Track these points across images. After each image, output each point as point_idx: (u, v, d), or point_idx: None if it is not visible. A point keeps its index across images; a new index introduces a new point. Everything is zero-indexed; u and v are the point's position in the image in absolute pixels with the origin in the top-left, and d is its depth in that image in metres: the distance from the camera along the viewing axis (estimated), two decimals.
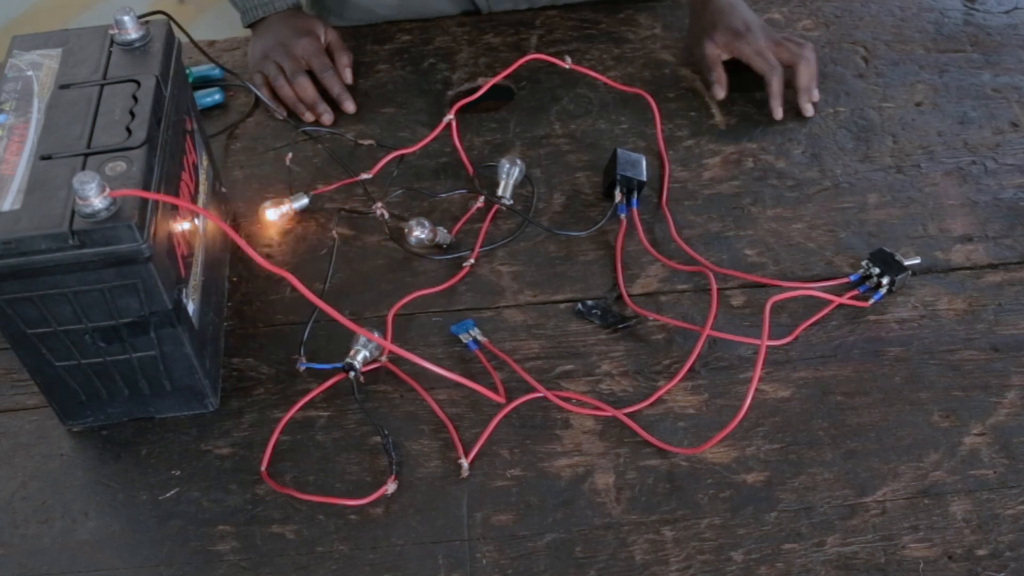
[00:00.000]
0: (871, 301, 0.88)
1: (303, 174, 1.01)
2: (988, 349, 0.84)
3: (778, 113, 1.03)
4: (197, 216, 0.84)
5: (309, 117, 1.06)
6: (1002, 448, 0.78)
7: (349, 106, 1.07)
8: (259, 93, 1.07)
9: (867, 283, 0.88)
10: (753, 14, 1.09)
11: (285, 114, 1.07)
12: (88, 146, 0.73)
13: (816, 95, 1.05)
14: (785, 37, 1.07)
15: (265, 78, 1.08)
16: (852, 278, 0.89)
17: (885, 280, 0.87)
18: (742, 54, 1.05)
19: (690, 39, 1.12)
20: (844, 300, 0.87)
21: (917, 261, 0.88)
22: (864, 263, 0.89)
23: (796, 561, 0.73)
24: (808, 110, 1.04)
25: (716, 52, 1.06)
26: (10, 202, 0.69)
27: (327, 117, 1.06)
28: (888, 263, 0.88)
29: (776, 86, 1.03)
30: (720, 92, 1.05)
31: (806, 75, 1.04)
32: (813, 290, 0.88)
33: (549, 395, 0.82)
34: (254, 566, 0.75)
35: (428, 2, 1.18)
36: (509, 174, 0.97)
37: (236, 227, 0.96)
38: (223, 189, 0.97)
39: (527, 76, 1.10)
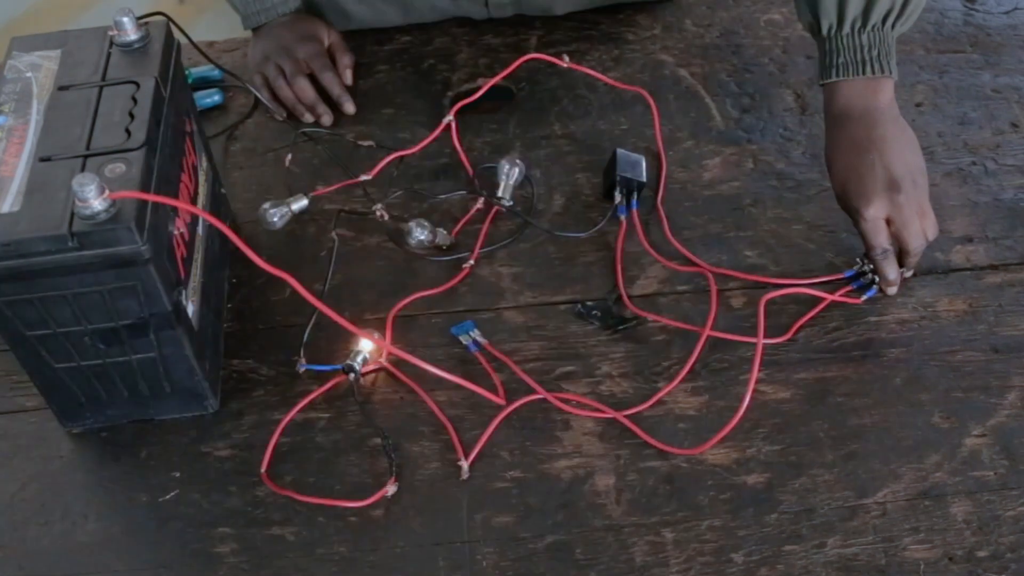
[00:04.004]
0: (863, 298, 0.88)
1: (302, 175, 1.01)
2: (988, 350, 0.84)
3: (890, 291, 0.88)
4: (196, 217, 0.84)
5: (308, 118, 1.06)
6: (1003, 449, 0.78)
7: (349, 107, 1.07)
8: (259, 95, 1.07)
9: (861, 279, 0.89)
10: (911, 153, 0.87)
11: (285, 115, 1.07)
12: (87, 148, 0.73)
13: (908, 273, 0.89)
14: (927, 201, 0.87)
15: (265, 79, 1.08)
16: (847, 274, 0.89)
17: (879, 278, 0.87)
18: (893, 222, 0.86)
19: (835, 169, 0.89)
20: (836, 297, 0.87)
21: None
22: (858, 259, 0.89)
23: (797, 563, 0.73)
24: (891, 292, 0.88)
25: (875, 217, 0.85)
26: (9, 204, 0.69)
27: (326, 118, 1.06)
28: None
29: (913, 261, 0.88)
30: (893, 289, 0.88)
31: (914, 262, 0.88)
32: (805, 287, 0.88)
33: (549, 397, 0.82)
34: (254, 568, 0.74)
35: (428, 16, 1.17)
36: (509, 175, 0.97)
37: (236, 228, 0.96)
38: (222, 190, 0.97)
39: (526, 77, 1.10)
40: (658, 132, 1.02)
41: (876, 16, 0.87)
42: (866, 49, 0.87)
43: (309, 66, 1.08)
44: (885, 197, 0.85)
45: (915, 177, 0.86)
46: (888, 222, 0.86)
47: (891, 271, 0.86)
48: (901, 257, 0.87)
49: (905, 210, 0.85)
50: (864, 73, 0.88)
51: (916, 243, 0.85)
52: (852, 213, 0.87)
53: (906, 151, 0.87)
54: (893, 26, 0.88)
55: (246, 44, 1.14)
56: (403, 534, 0.76)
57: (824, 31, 0.89)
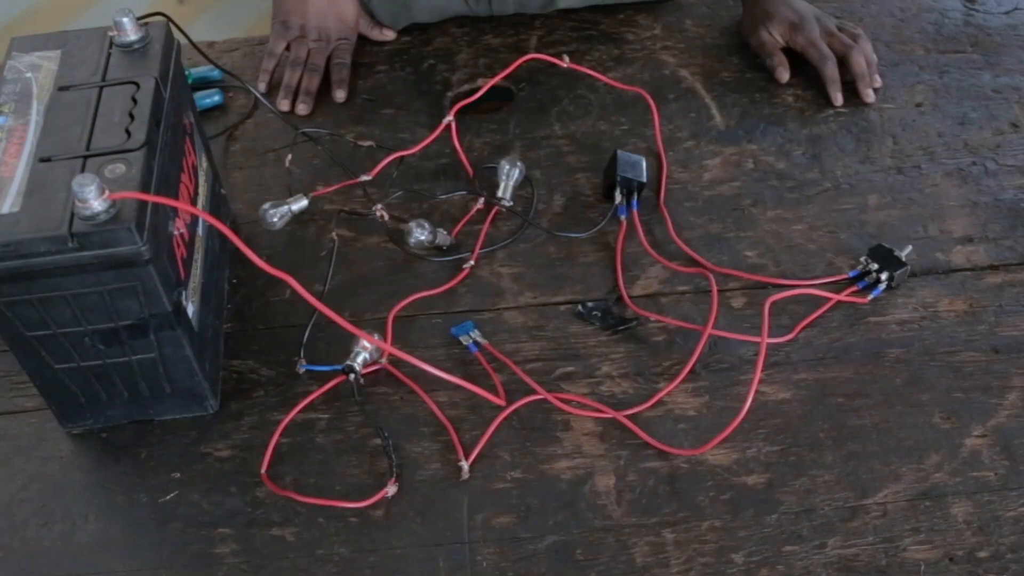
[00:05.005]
0: (870, 297, 0.88)
1: (302, 176, 1.01)
2: (989, 350, 0.84)
3: (837, 99, 1.05)
4: (197, 218, 0.84)
5: (284, 105, 1.07)
6: (1003, 450, 0.78)
7: (340, 95, 1.08)
8: (259, 95, 1.07)
9: (866, 279, 0.89)
10: (806, 4, 1.11)
11: (264, 90, 1.08)
12: (87, 148, 0.73)
13: (877, 81, 1.07)
14: (840, 25, 1.09)
15: (277, 41, 1.10)
16: (851, 274, 0.89)
17: (884, 276, 0.87)
18: (796, 45, 1.08)
19: (744, 28, 1.13)
20: (842, 297, 0.87)
21: (909, 249, 0.89)
22: (863, 259, 0.89)
23: (797, 563, 0.73)
24: (868, 96, 1.05)
25: (772, 40, 1.08)
26: (9, 204, 0.69)
27: (302, 108, 1.07)
28: (887, 259, 0.88)
29: (830, 73, 1.05)
30: (784, 75, 1.08)
31: (859, 63, 1.06)
32: (811, 288, 0.88)
33: (549, 397, 0.82)
34: (254, 569, 0.74)
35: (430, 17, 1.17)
36: (509, 175, 0.97)
37: (235, 229, 0.96)
38: (222, 191, 0.97)
39: (527, 77, 1.10)
40: (658, 132, 1.03)
41: None
42: None
43: (310, 57, 1.08)
44: (788, 22, 1.08)
45: (814, 12, 1.09)
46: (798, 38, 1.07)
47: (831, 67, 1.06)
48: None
49: (808, 23, 1.07)
50: None
51: (805, 41, 1.07)
52: (763, 39, 1.08)
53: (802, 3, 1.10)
54: None
55: (246, 44, 1.14)
56: (403, 535, 0.76)
57: None
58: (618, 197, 0.95)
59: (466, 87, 1.09)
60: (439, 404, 0.82)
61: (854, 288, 0.88)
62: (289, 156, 1.02)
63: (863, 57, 1.06)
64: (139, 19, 0.82)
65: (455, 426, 0.81)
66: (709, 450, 0.79)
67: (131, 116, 0.75)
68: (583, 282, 0.91)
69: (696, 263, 0.91)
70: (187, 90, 0.88)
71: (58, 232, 0.67)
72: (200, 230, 0.85)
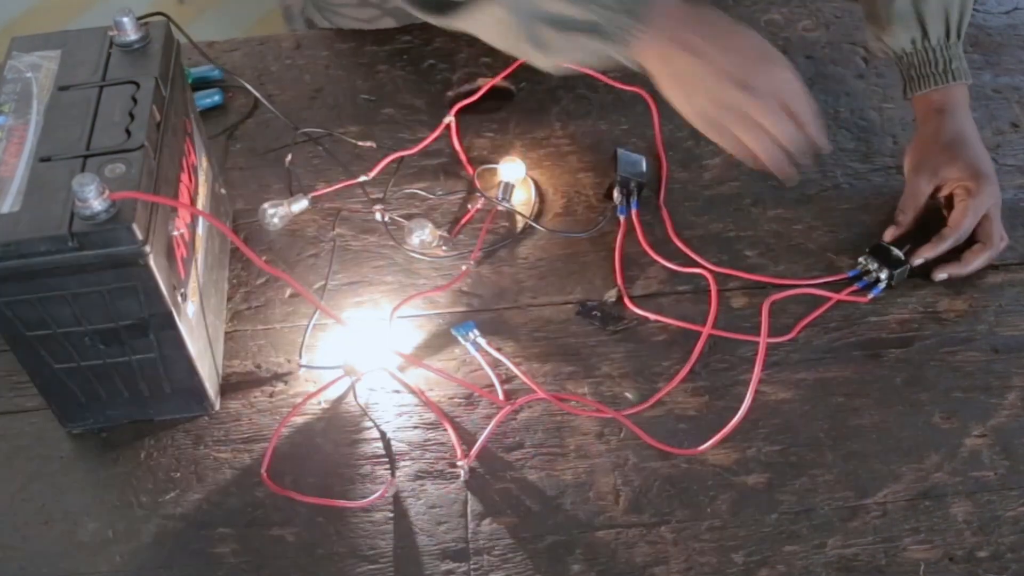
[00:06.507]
0: (870, 296, 0.88)
1: (302, 175, 1.01)
2: (988, 350, 0.84)
3: (940, 277, 0.88)
4: (197, 217, 0.84)
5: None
6: (1003, 449, 0.78)
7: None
8: (258, 95, 1.07)
9: (865, 278, 0.89)
10: (990, 161, 0.91)
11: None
12: (87, 148, 0.73)
13: (943, 275, 0.89)
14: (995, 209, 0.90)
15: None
16: (850, 274, 0.89)
17: (883, 275, 0.87)
18: (969, 208, 0.87)
19: (912, 158, 0.93)
20: (842, 296, 0.88)
21: (908, 248, 0.89)
22: (862, 258, 0.89)
23: (797, 563, 0.73)
24: (939, 278, 0.88)
25: (925, 191, 0.89)
26: (9, 204, 0.69)
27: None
28: (886, 258, 0.88)
29: (973, 259, 0.88)
30: (890, 234, 0.90)
31: (980, 261, 0.88)
32: (811, 287, 0.88)
33: (549, 397, 0.82)
34: (254, 568, 0.74)
35: None
36: (509, 175, 0.97)
37: (235, 228, 0.96)
38: (222, 190, 0.97)
39: (527, 77, 1.09)
40: (658, 132, 1.02)
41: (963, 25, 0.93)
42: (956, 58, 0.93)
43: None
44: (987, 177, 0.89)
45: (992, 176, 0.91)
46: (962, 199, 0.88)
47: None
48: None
49: (988, 186, 0.89)
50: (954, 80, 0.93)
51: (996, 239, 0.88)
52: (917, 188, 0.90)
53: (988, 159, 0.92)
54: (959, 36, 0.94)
55: (246, 44, 1.14)
56: (403, 534, 0.76)
57: (933, 40, 0.93)
58: (618, 197, 0.95)
59: (466, 87, 1.09)
60: (439, 404, 0.82)
61: (854, 287, 0.88)
62: (289, 156, 1.02)
63: (987, 258, 0.88)
64: (139, 19, 0.82)
65: (455, 426, 0.81)
66: (709, 450, 0.79)
67: (131, 116, 0.75)
68: (583, 282, 0.91)
69: (696, 263, 0.91)
70: (187, 90, 0.88)
71: (58, 232, 0.67)
72: (200, 230, 0.85)
